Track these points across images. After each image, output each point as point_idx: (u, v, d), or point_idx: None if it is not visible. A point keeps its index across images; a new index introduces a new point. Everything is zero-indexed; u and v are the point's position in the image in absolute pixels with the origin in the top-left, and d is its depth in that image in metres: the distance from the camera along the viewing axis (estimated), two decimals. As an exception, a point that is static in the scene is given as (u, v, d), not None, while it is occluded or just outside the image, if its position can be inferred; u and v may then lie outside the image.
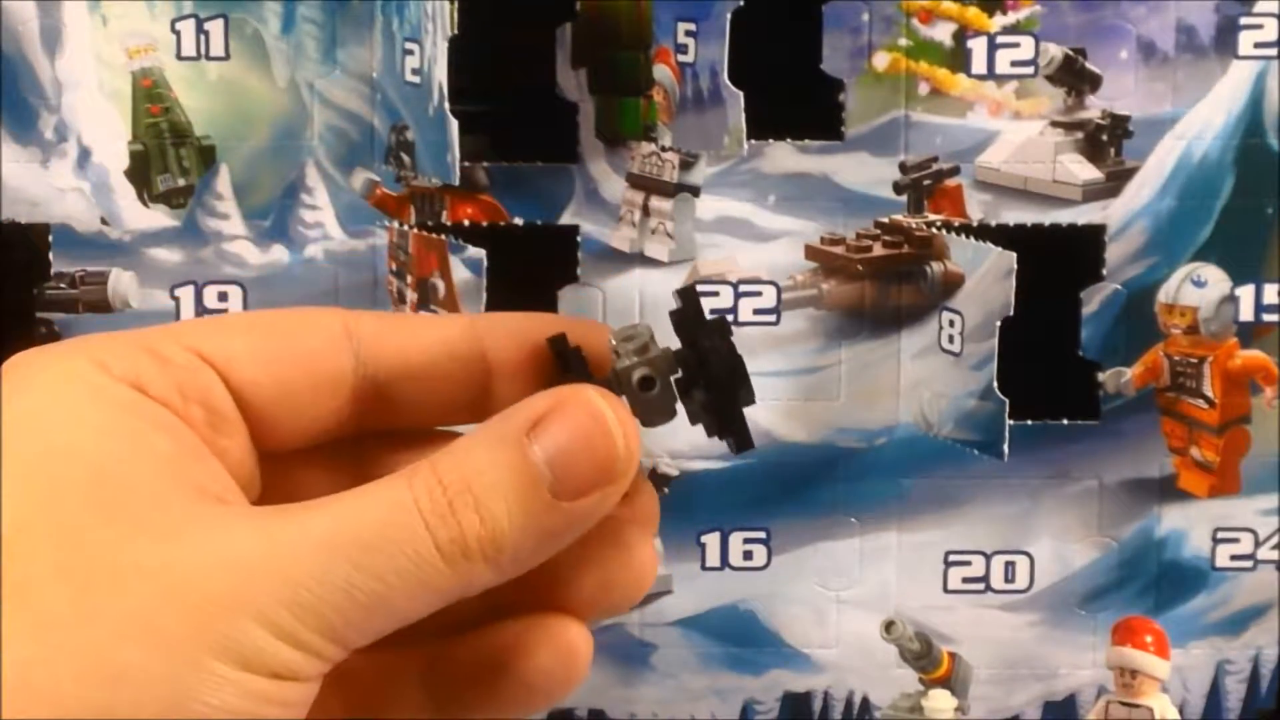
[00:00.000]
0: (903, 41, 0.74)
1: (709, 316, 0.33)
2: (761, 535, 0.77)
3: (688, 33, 0.73)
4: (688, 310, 0.33)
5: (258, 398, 0.31)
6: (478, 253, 0.72)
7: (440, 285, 0.73)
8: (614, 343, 0.33)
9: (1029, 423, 0.75)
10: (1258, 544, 0.77)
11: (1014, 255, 0.70)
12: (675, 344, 0.34)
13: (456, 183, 0.71)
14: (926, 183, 0.74)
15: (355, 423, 0.33)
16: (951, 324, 0.74)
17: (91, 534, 0.27)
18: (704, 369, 0.33)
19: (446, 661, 0.32)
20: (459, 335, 0.33)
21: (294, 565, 0.27)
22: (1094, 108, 0.74)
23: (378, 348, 0.32)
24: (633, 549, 0.33)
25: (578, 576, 0.33)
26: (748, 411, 0.34)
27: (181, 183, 0.75)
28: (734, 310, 0.75)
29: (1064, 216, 0.75)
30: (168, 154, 0.75)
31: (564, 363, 0.32)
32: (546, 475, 0.30)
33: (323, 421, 0.32)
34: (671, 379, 0.33)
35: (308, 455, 0.33)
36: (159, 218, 0.75)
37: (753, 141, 0.74)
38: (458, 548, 0.29)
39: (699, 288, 0.75)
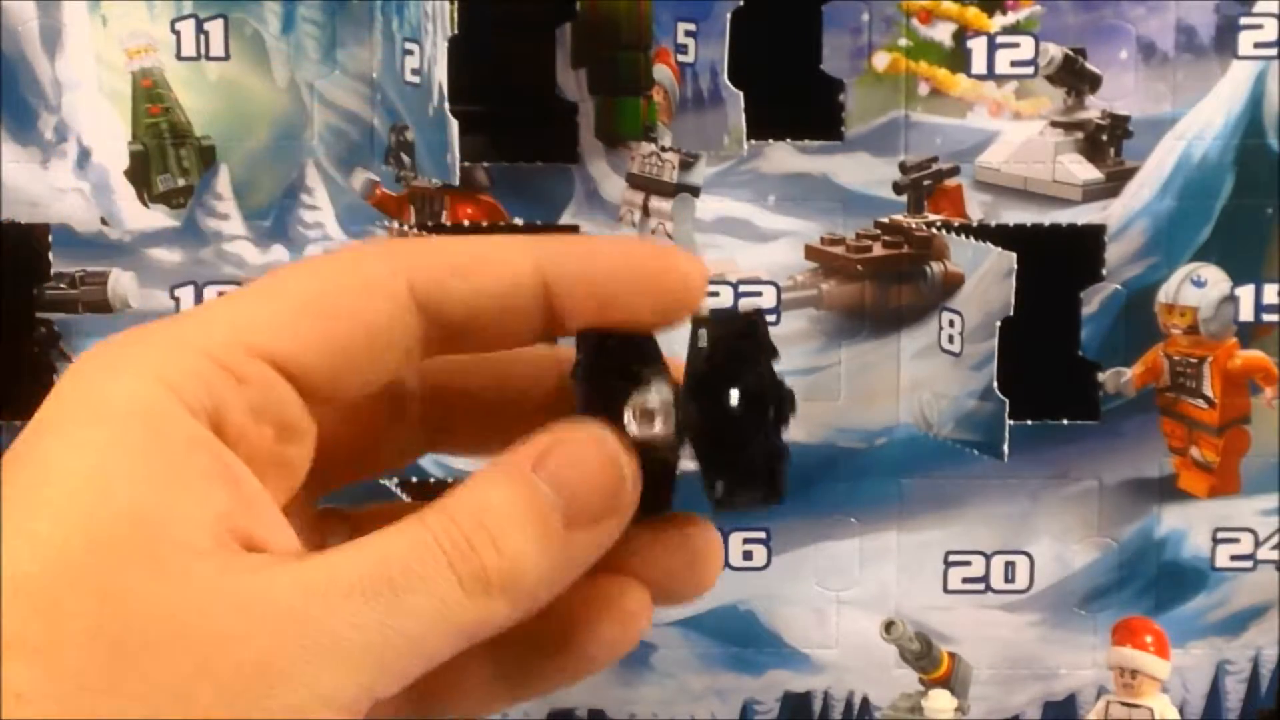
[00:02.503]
0: (903, 41, 0.74)
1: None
2: (761, 535, 0.77)
3: (688, 33, 0.73)
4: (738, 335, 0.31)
5: (326, 388, 0.30)
6: (478, 253, 0.72)
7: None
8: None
9: (1029, 423, 0.75)
10: (1258, 544, 0.77)
11: (1014, 255, 0.70)
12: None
13: (456, 183, 0.71)
14: (926, 183, 0.74)
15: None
16: (951, 324, 0.74)
17: (130, 592, 0.26)
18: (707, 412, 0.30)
19: (514, 636, 0.31)
20: (525, 284, 0.31)
21: (330, 615, 0.27)
22: (1094, 108, 0.74)
23: (442, 306, 0.30)
24: (694, 536, 0.33)
25: (644, 559, 0.32)
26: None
27: (181, 183, 0.75)
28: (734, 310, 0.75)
29: (1064, 216, 0.75)
30: (168, 154, 0.75)
31: (588, 368, 0.31)
32: (558, 503, 0.30)
33: (383, 378, 0.31)
34: (668, 422, 0.31)
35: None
36: (159, 218, 0.75)
37: (753, 141, 0.74)
38: (479, 584, 0.29)
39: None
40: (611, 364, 0.31)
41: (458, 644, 0.29)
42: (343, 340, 0.29)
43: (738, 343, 0.31)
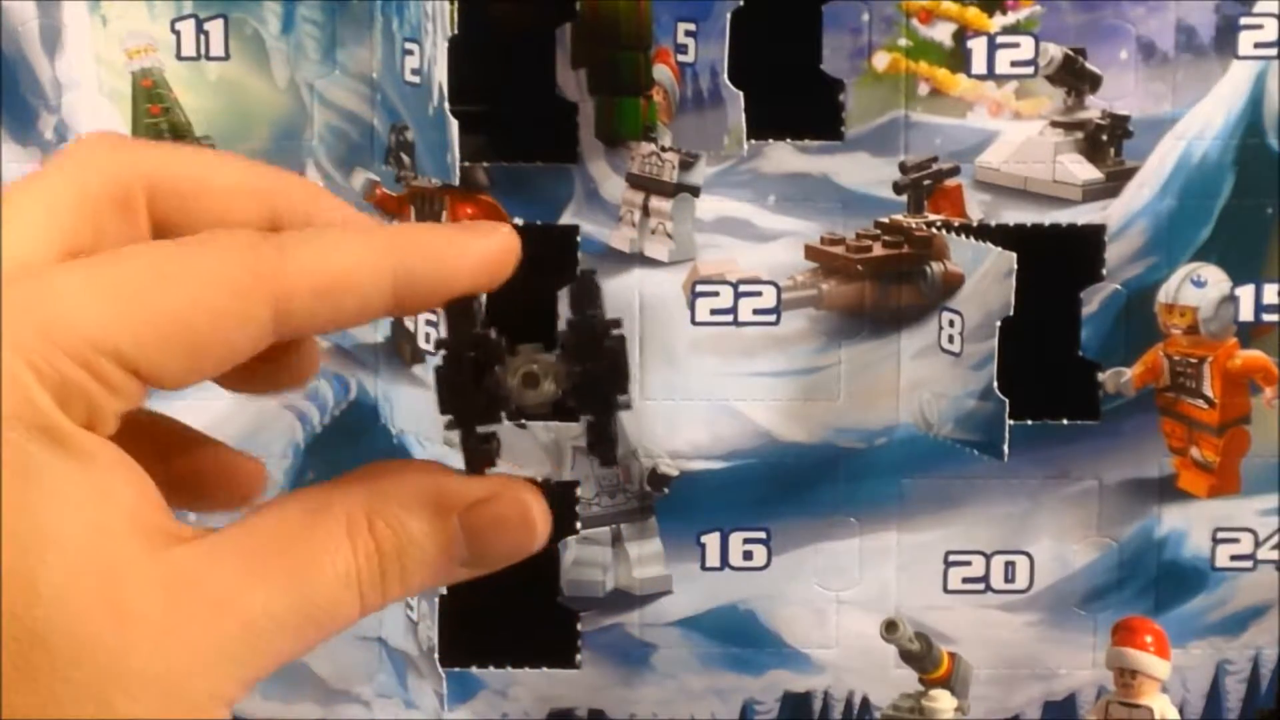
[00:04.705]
0: (903, 41, 0.74)
1: (596, 311, 0.34)
2: (761, 535, 0.77)
3: (688, 33, 0.73)
4: (582, 292, 0.34)
5: (176, 387, 0.31)
6: (478, 253, 0.72)
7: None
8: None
9: (1029, 423, 0.75)
10: (1258, 544, 0.77)
11: (1014, 255, 0.70)
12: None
13: (456, 183, 0.71)
14: (926, 183, 0.74)
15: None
16: (951, 324, 0.74)
17: (103, 644, 0.27)
18: (584, 356, 0.34)
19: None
20: (381, 300, 0.32)
21: (259, 654, 0.29)
22: (1094, 108, 0.74)
23: (301, 325, 0.31)
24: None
25: None
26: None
27: (181, 183, 0.75)
28: (734, 310, 0.75)
29: (1064, 216, 0.75)
30: (168, 154, 0.74)
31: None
32: (464, 553, 0.32)
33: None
34: (554, 380, 0.34)
35: None
36: (159, 218, 0.75)
37: (753, 141, 0.74)
38: (374, 609, 0.31)
39: (698, 287, 0.75)
40: (474, 340, 0.33)
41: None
42: (206, 361, 0.30)
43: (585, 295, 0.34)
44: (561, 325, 0.35)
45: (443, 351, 0.33)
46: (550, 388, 0.33)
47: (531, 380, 0.33)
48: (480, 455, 0.33)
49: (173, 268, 0.30)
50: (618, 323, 0.34)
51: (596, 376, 0.33)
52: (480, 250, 0.34)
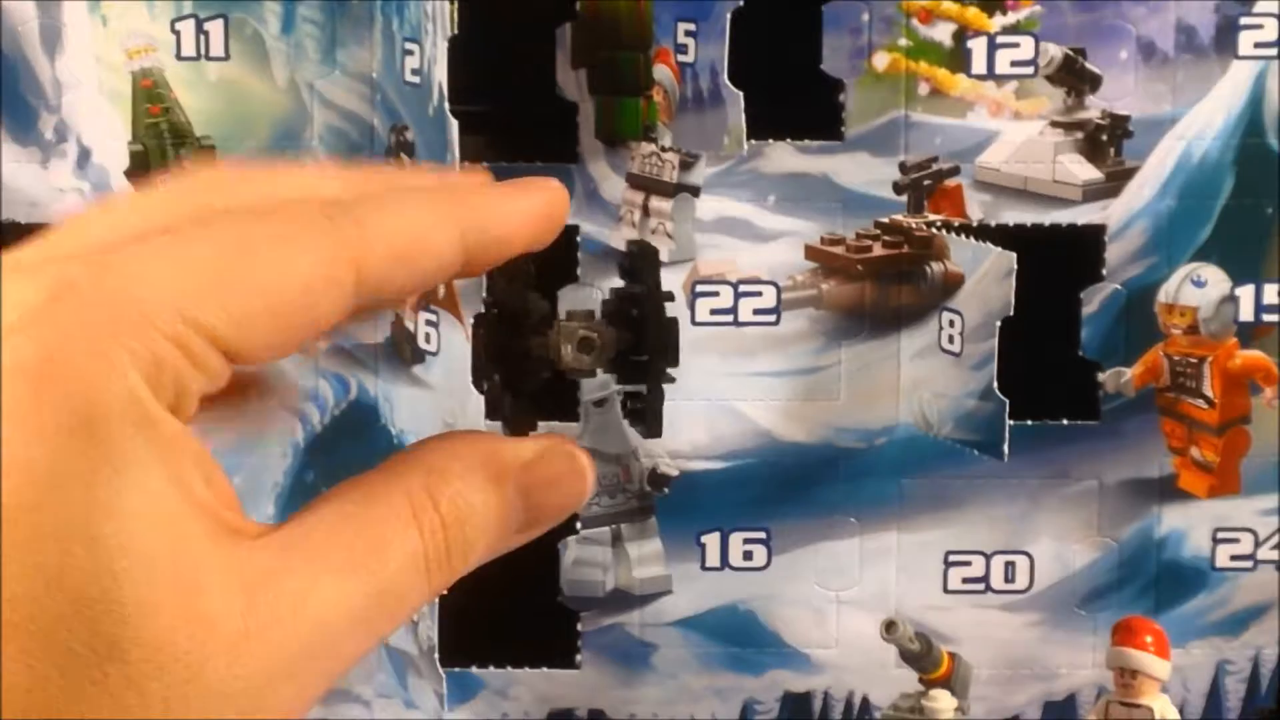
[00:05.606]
0: (903, 41, 0.74)
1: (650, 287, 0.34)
2: (761, 535, 0.77)
3: (688, 33, 0.73)
4: (643, 264, 0.34)
5: (255, 363, 0.31)
6: (478, 253, 0.72)
7: (440, 286, 0.73)
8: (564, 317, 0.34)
9: (1029, 423, 0.75)
10: (1258, 544, 0.77)
11: (1014, 255, 0.70)
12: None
13: (456, 183, 0.71)
14: (926, 183, 0.74)
15: None
16: (951, 324, 0.74)
17: (181, 654, 0.27)
18: (637, 321, 0.34)
19: None
20: (454, 261, 0.32)
21: (339, 652, 0.29)
22: (1094, 108, 0.74)
23: (379, 289, 0.31)
24: None
25: None
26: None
27: (181, 183, 0.75)
28: (734, 310, 0.75)
29: (1064, 216, 0.75)
30: (168, 154, 0.75)
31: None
32: (522, 516, 0.31)
33: None
34: (604, 349, 0.34)
35: None
36: (159, 218, 0.75)
37: (753, 141, 0.74)
38: (440, 589, 0.30)
39: (698, 287, 0.75)
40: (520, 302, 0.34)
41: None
42: (293, 333, 0.30)
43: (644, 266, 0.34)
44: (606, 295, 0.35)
45: (494, 311, 0.33)
46: (601, 356, 0.33)
47: (587, 346, 0.33)
48: (524, 417, 0.33)
49: (257, 238, 0.29)
50: (671, 295, 0.34)
51: (653, 349, 0.33)
52: (537, 206, 0.33)
